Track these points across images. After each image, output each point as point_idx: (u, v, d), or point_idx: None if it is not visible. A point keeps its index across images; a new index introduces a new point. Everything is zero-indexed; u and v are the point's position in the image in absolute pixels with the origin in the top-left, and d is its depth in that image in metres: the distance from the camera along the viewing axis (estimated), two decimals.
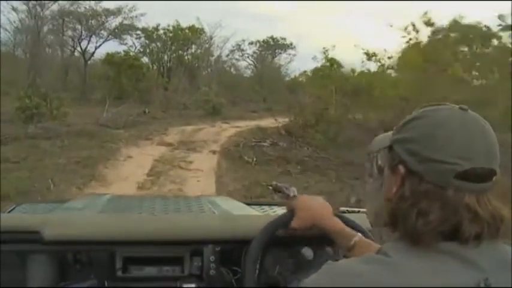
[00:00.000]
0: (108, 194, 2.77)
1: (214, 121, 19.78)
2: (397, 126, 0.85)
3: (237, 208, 2.12)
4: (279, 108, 28.96)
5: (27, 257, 1.34)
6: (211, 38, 32.41)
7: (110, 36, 26.41)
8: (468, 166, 0.74)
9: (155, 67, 29.30)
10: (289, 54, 34.95)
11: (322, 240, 1.34)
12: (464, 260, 0.73)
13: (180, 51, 29.42)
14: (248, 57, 35.53)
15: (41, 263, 1.34)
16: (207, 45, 32.23)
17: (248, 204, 2.34)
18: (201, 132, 15.65)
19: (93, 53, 26.37)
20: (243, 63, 35.96)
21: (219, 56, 33.97)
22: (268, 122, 20.92)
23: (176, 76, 28.97)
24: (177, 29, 28.34)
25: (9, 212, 2.08)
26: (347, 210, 1.71)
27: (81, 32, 24.67)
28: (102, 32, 26.13)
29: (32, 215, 1.78)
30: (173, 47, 28.93)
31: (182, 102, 23.98)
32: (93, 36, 25.49)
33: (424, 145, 0.77)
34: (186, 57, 30.33)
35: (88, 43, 25.66)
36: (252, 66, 36.30)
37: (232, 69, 35.77)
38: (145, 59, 27.93)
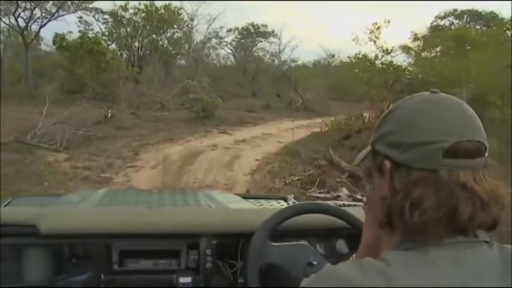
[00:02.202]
0: (103, 188, 2.83)
1: (207, 130, 14.18)
2: (375, 129, 0.82)
3: (233, 202, 2.15)
4: (278, 105, 23.83)
5: (24, 251, 1.35)
6: (192, 19, 26.93)
7: (61, 11, 19.80)
8: (454, 140, 0.71)
9: (124, 55, 23.36)
10: (271, 42, 31.54)
11: (318, 235, 1.41)
12: (474, 270, 0.68)
13: (154, 36, 24.95)
14: (226, 45, 32.15)
15: (37, 256, 1.35)
16: (187, 28, 26.68)
17: (245, 197, 2.35)
18: (198, 162, 9.65)
19: (38, 33, 19.84)
20: (221, 52, 33.01)
21: (202, 41, 28.50)
22: (278, 129, 15.73)
23: (150, 65, 23.33)
24: (151, 9, 22.67)
25: (5, 205, 2.07)
26: (343, 204, 1.83)
27: (18, 3, 17.87)
28: (50, 6, 19.46)
29: (28, 209, 1.75)
30: (146, 31, 24.56)
31: (158, 100, 18.31)
32: (36, 9, 18.75)
33: (405, 132, 0.74)
34: (161, 43, 26.07)
35: (30, 20, 18.99)
36: (231, 55, 33.19)
37: (211, 59, 31.12)
38: (113, 46, 22.08)
